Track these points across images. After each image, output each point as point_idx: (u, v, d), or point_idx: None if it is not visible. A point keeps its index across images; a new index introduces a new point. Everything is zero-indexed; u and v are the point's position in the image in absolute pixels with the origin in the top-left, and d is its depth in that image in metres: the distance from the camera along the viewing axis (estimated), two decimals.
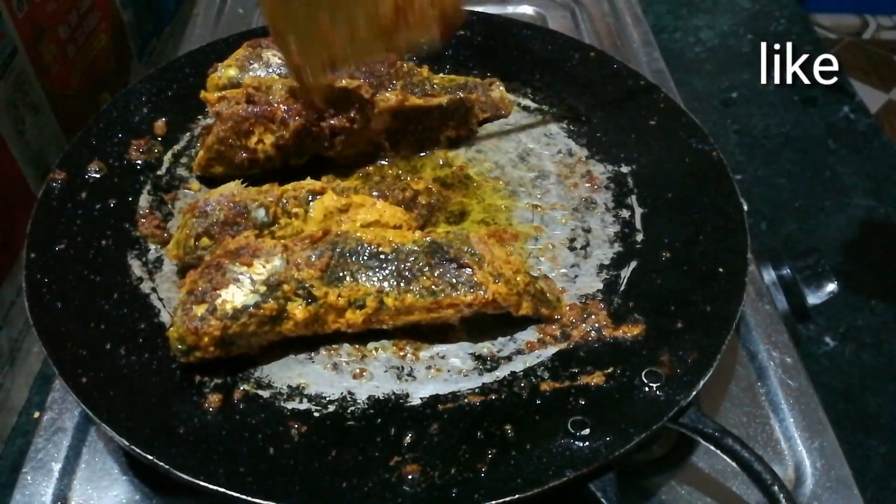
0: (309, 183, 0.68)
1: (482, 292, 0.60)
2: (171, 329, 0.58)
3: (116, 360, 0.59)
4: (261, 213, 0.65)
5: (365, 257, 0.61)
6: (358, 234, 0.62)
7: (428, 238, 0.63)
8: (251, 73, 0.78)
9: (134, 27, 1.03)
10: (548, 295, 0.64)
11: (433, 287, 0.60)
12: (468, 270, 0.61)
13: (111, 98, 0.87)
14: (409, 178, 0.74)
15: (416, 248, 0.62)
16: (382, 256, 0.61)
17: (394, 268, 0.61)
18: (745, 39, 1.15)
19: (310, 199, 0.66)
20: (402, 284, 0.60)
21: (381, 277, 0.61)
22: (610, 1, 1.10)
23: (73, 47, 0.87)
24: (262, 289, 0.58)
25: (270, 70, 0.78)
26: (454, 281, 0.60)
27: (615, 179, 0.76)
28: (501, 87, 0.84)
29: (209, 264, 0.60)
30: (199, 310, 0.57)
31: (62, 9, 0.85)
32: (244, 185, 0.67)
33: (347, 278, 0.60)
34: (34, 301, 0.62)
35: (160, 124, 0.79)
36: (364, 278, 0.61)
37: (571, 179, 0.76)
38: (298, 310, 0.59)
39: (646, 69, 0.96)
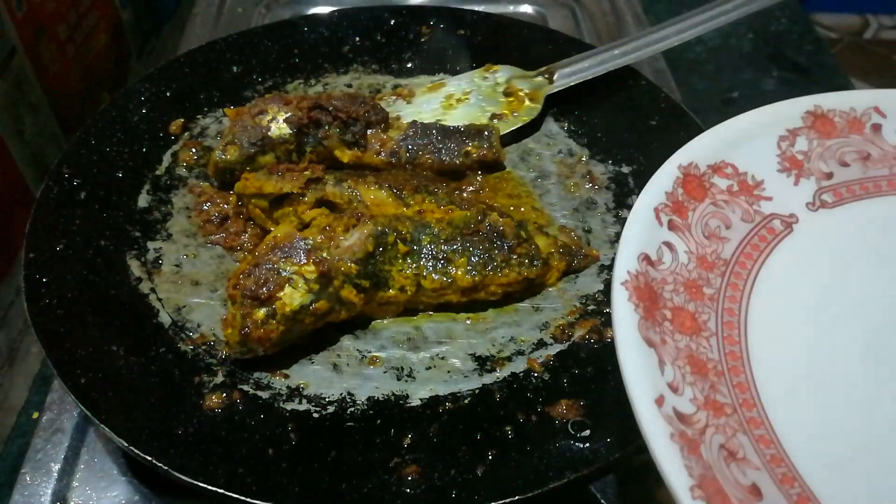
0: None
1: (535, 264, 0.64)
2: (230, 332, 0.58)
3: (115, 361, 0.59)
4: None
5: (406, 240, 0.63)
6: (397, 216, 0.65)
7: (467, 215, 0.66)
8: (246, 145, 0.71)
9: (133, 26, 1.02)
10: (572, 247, 0.68)
11: (477, 265, 0.63)
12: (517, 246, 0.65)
13: (110, 98, 0.87)
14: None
15: (455, 228, 0.64)
16: (419, 237, 0.64)
17: (432, 248, 0.64)
18: (746, 39, 1.14)
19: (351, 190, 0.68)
20: (439, 265, 0.63)
21: (420, 259, 0.63)
22: (610, 0, 1.10)
23: (72, 47, 0.87)
24: (315, 287, 0.59)
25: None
26: (501, 259, 0.64)
27: (616, 179, 0.76)
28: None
29: (257, 262, 0.59)
30: (260, 314, 0.57)
31: (61, 8, 0.85)
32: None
33: (387, 265, 0.62)
34: (33, 301, 0.62)
35: (178, 123, 0.80)
36: (403, 261, 0.63)
37: (572, 179, 0.76)
38: (351, 297, 0.61)
39: (646, 69, 0.96)
